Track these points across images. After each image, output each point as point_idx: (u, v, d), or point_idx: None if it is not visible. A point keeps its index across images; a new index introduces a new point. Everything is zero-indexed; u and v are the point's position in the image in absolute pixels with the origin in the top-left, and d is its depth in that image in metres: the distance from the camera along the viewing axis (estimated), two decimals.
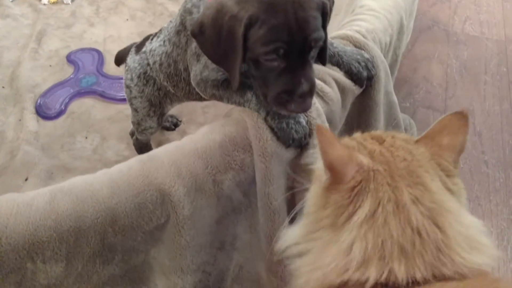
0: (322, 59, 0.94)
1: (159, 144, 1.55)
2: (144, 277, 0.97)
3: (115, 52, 1.54)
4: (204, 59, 0.96)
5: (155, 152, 0.91)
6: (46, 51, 1.96)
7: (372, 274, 0.61)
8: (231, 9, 0.81)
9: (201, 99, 1.13)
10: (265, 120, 0.92)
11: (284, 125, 0.92)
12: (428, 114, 1.90)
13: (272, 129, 0.92)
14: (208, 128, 0.95)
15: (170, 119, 1.65)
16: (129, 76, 1.26)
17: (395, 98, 1.23)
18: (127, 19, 2.15)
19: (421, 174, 0.64)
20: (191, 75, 1.00)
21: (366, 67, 1.06)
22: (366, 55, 1.07)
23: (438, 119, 0.70)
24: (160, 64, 1.13)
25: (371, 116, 1.13)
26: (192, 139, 0.92)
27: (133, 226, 0.85)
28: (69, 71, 1.88)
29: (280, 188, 0.95)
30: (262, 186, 0.93)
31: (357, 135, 0.74)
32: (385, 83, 1.15)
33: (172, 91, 1.18)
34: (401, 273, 0.61)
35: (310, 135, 0.94)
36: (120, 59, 1.42)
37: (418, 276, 0.60)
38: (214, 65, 0.94)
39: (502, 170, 1.68)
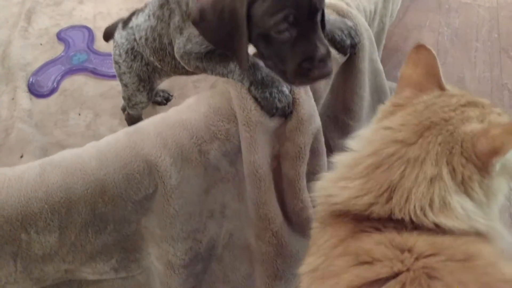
0: (321, 24, 0.94)
1: None
2: (137, 246, 1.00)
3: None
4: (187, 32, 0.97)
5: (142, 124, 0.93)
6: (36, 30, 1.96)
7: (340, 191, 0.69)
8: None
9: (188, 73, 1.15)
10: (249, 90, 0.94)
11: (268, 94, 0.93)
12: None
13: (256, 98, 0.94)
14: (193, 99, 0.97)
15: (161, 94, 1.66)
16: (117, 52, 1.27)
17: (380, 65, 1.24)
18: None
19: (434, 135, 0.67)
20: (175, 48, 1.01)
21: (350, 35, 1.07)
22: (349, 23, 1.08)
23: None
24: (146, 39, 1.14)
25: (356, 84, 1.15)
26: (178, 111, 0.94)
27: (122, 196, 0.88)
28: (59, 49, 1.88)
29: (265, 156, 0.98)
30: (248, 155, 0.95)
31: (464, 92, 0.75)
32: (369, 51, 1.16)
33: (159, 66, 1.20)
34: (353, 191, 0.67)
35: (293, 103, 0.96)
36: (108, 35, 1.43)
37: (373, 206, 0.66)
38: (197, 39, 0.95)
39: None
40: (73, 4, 2.09)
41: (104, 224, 0.91)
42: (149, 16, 1.12)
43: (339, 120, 1.20)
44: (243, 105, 0.94)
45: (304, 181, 1.03)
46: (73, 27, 1.97)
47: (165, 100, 1.66)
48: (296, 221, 1.06)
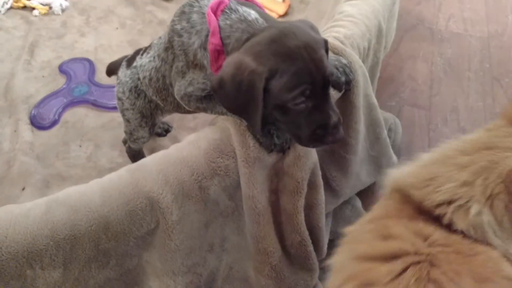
0: None
1: (152, 150, 1.60)
2: (139, 280, 1.02)
3: (106, 61, 1.58)
4: (189, 77, 1.01)
5: (144, 161, 0.96)
6: (38, 62, 2.01)
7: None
8: (249, 65, 0.84)
9: (189, 111, 1.18)
10: (248, 127, 0.97)
11: (266, 131, 0.97)
12: (413, 112, 1.95)
13: (254, 135, 0.97)
14: (193, 136, 1.00)
15: (161, 125, 1.69)
16: (120, 89, 1.31)
17: (374, 100, 1.28)
18: (117, 28, 2.19)
19: (489, 154, 0.74)
20: (175, 90, 1.05)
21: (344, 72, 1.10)
22: (344, 61, 1.12)
23: None
24: (150, 79, 1.18)
25: (352, 119, 1.18)
26: (178, 148, 0.97)
27: (125, 232, 0.90)
28: (61, 81, 1.92)
29: (264, 191, 1.00)
30: (247, 190, 0.98)
31: None
32: (364, 86, 1.20)
33: (162, 104, 1.23)
34: (406, 173, 0.80)
35: (291, 140, 0.99)
36: (111, 71, 1.47)
37: (413, 190, 0.77)
38: (200, 84, 0.99)
39: None
40: (75, 37, 2.14)
41: (107, 259, 0.93)
42: (154, 57, 1.15)
43: (336, 153, 1.23)
44: (242, 141, 0.97)
45: (302, 214, 1.05)
46: (74, 60, 2.01)
47: (165, 131, 1.70)
48: (295, 254, 1.08)
